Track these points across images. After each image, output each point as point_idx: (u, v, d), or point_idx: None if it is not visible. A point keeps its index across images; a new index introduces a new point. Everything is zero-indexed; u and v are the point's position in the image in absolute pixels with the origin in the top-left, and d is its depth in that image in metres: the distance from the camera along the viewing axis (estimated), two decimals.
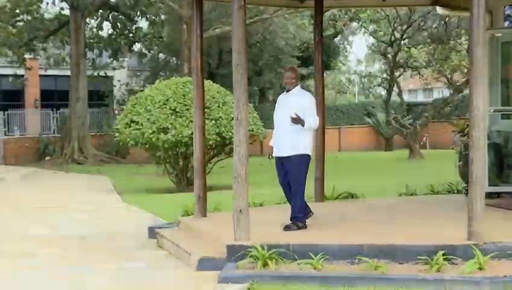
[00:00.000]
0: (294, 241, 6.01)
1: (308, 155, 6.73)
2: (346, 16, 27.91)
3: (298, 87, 7.00)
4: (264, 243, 5.86)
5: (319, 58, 9.17)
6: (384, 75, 32.23)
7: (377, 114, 34.88)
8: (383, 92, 34.12)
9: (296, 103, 6.79)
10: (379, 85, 33.34)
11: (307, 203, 6.90)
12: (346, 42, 42.99)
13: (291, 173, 6.70)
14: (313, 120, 6.74)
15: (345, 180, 13.84)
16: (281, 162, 6.85)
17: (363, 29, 30.08)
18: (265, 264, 5.69)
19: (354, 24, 31.91)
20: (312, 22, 10.46)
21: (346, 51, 44.82)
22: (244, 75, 6.28)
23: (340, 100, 48.81)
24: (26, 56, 28.49)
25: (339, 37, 38.03)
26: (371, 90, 46.85)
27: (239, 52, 6.27)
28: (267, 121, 29.85)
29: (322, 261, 5.66)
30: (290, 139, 6.69)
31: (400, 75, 30.97)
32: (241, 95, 6.25)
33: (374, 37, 28.87)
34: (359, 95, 54.82)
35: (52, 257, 7.04)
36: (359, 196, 9.76)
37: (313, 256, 5.69)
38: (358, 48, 68.64)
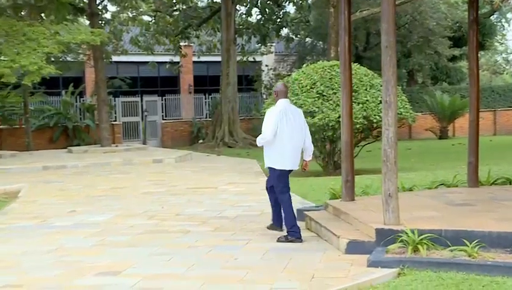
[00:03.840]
0: (447, 227, 5.82)
1: (270, 168, 7.06)
2: None
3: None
4: (414, 228, 5.75)
5: (473, 37, 8.75)
6: None
7: None
8: None
9: None
10: None
11: (298, 229, 6.89)
12: (503, 20, 40.49)
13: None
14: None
15: (501, 165, 13.14)
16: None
17: None
18: (415, 250, 5.58)
19: None
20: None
21: (503, 29, 42.23)
22: (393, 57, 6.16)
23: (496, 81, 46.21)
24: (181, 44, 29.98)
25: (495, 15, 35.87)
26: None
27: (388, 33, 6.15)
28: (416, 104, 29.09)
29: (477, 248, 5.43)
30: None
31: None
32: (390, 77, 6.14)
33: None
34: None
35: (205, 236, 7.39)
36: None
37: (467, 243, 5.49)
38: None
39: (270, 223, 7.50)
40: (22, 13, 21.16)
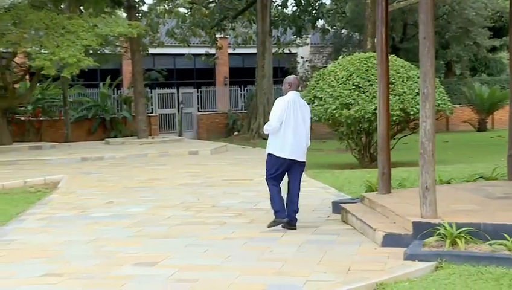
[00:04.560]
0: (486, 221, 5.74)
1: (270, 154, 7.25)
2: None
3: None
4: (452, 221, 5.68)
5: None
6: None
7: None
8: None
9: None
10: None
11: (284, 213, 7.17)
12: None
13: None
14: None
15: None
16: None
17: None
18: (453, 243, 5.51)
19: None
20: None
21: None
22: (431, 48, 6.09)
23: None
24: (217, 36, 30.06)
25: None
26: None
27: (426, 24, 6.08)
28: (454, 96, 28.54)
29: None
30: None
31: None
32: (428, 68, 6.07)
33: None
34: None
35: (241, 227, 7.43)
36: None
37: (507, 237, 5.39)
38: None
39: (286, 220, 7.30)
40: (62, 6, 21.50)
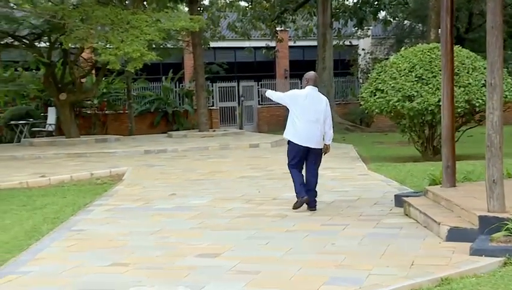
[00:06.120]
0: None
1: (288, 141, 8.03)
2: None
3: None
4: None
5: None
6: None
7: None
8: None
9: None
10: None
11: (303, 193, 7.88)
12: None
13: None
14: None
15: None
16: None
17: None
18: None
19: None
20: None
21: None
22: (499, 38, 5.91)
23: None
24: (278, 29, 30.09)
25: None
26: None
27: (494, 13, 5.90)
28: None
29: None
30: None
31: None
32: (495, 59, 5.90)
33: None
34: None
35: (302, 220, 7.42)
36: None
37: None
38: None
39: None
40: (126, 2, 21.96)
